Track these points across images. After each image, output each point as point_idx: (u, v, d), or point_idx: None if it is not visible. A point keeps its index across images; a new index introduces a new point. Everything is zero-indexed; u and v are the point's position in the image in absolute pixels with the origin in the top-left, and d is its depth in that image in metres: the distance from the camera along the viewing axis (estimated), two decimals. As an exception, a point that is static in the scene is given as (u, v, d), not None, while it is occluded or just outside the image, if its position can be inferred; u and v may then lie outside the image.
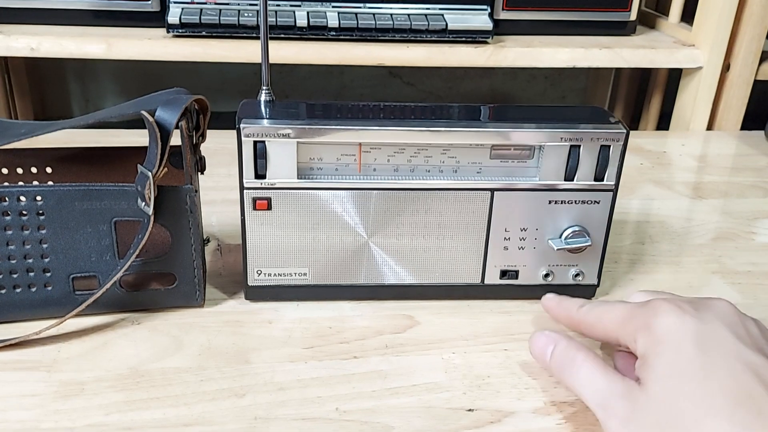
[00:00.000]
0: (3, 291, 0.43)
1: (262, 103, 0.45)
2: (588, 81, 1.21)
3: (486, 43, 0.83)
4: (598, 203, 0.46)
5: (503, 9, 0.86)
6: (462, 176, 0.45)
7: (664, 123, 0.99)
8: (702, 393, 0.32)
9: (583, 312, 0.41)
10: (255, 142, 0.42)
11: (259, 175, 0.43)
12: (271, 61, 0.81)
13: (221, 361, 0.41)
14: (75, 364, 0.41)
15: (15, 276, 0.43)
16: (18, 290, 0.43)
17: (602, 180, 0.45)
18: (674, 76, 0.97)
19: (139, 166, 0.41)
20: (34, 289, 0.43)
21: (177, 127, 0.41)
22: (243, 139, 0.42)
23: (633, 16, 0.89)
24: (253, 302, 0.47)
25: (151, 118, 0.40)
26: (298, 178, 0.44)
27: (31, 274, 0.43)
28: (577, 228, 0.46)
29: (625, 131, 0.44)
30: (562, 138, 0.43)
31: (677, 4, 0.92)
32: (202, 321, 0.45)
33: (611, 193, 0.45)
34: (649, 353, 0.35)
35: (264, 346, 0.43)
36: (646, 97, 1.05)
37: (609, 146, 0.44)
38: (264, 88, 0.45)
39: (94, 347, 0.42)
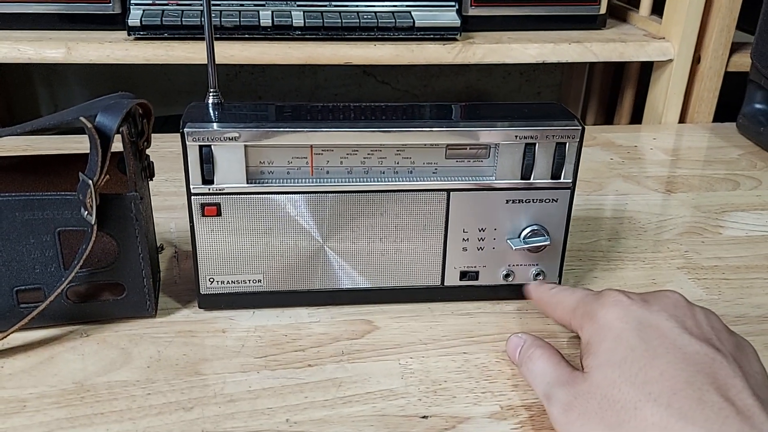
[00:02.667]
0: (-57, 306, 0.42)
1: (210, 105, 0.44)
2: (563, 76, 1.20)
3: (455, 40, 0.82)
4: (556, 201, 0.45)
5: (471, 5, 0.85)
6: (417, 177, 0.44)
7: (637, 116, 0.99)
8: (641, 380, 0.32)
9: (549, 294, 0.43)
10: (201, 147, 0.41)
11: (207, 180, 0.42)
12: (235, 62, 0.80)
13: (170, 374, 0.40)
14: (18, 380, 0.39)
15: (-44, 290, 0.41)
16: (-40, 305, 0.42)
17: (559, 178, 0.44)
18: (647, 69, 0.96)
19: (80, 174, 0.40)
20: (-24, 304, 0.42)
21: (118, 132, 0.39)
22: (188, 143, 0.41)
23: (603, 9, 0.88)
24: (207, 311, 0.46)
25: (89, 125, 0.38)
26: (247, 183, 0.43)
27: (-27, 287, 0.41)
28: (535, 227, 0.45)
29: (580, 128, 0.43)
30: (516, 136, 0.43)
31: (647, -3, 0.91)
32: (153, 332, 0.44)
33: (569, 191, 0.45)
34: (593, 341, 0.35)
35: (216, 356, 0.42)
36: (620, 91, 1.05)
37: (565, 143, 0.43)
38: (211, 90, 0.44)
39: (40, 362, 0.41)
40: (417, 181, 0.44)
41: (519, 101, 1.21)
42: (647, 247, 0.56)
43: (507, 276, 0.47)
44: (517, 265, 0.46)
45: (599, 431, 0.32)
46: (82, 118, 0.38)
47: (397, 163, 0.44)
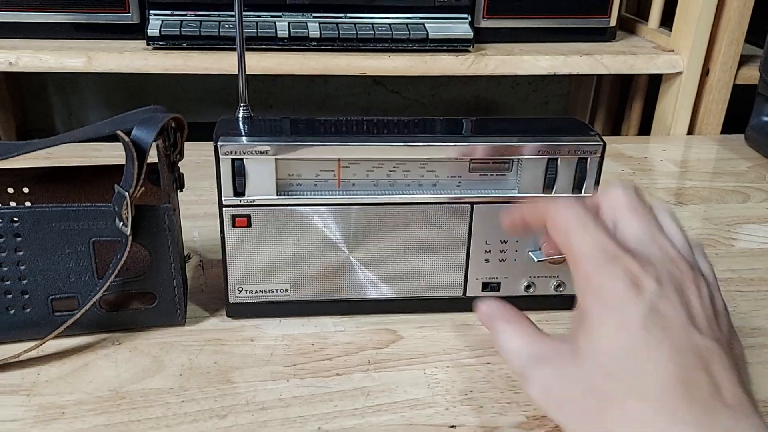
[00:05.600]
0: (-20, 314, 0.43)
1: (240, 119, 0.45)
2: (571, 87, 1.22)
3: (467, 51, 0.83)
4: (578, 215, 0.46)
5: (484, 17, 0.86)
6: (441, 190, 0.45)
7: (645, 127, 1.00)
8: (635, 372, 0.30)
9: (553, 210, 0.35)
10: (233, 160, 0.42)
11: (238, 192, 0.43)
12: (253, 72, 0.81)
13: (202, 381, 0.41)
14: (55, 387, 0.40)
15: (-7, 299, 0.42)
16: (-4, 313, 0.43)
17: (581, 191, 0.45)
18: (655, 81, 0.97)
19: (116, 185, 0.41)
20: (12, 312, 0.43)
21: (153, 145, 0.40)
22: (221, 156, 0.42)
23: (613, 22, 0.89)
24: (235, 319, 0.47)
25: (126, 138, 0.39)
26: (277, 195, 0.44)
27: (9, 296, 0.42)
28: (557, 239, 0.46)
29: (601, 144, 0.44)
30: (539, 151, 0.44)
31: (656, 10, 0.93)
32: (184, 340, 0.45)
33: (590, 204, 0.46)
34: (592, 316, 0.32)
35: (246, 364, 0.43)
36: (628, 102, 1.06)
37: (586, 158, 0.44)
38: (241, 104, 0.45)
39: (75, 369, 0.42)
40: (441, 193, 0.45)
41: (527, 111, 1.23)
42: (662, 259, 0.57)
43: (528, 287, 0.48)
44: (538, 276, 0.47)
45: (577, 418, 0.31)
46: (119, 132, 0.39)
47: (422, 177, 0.45)
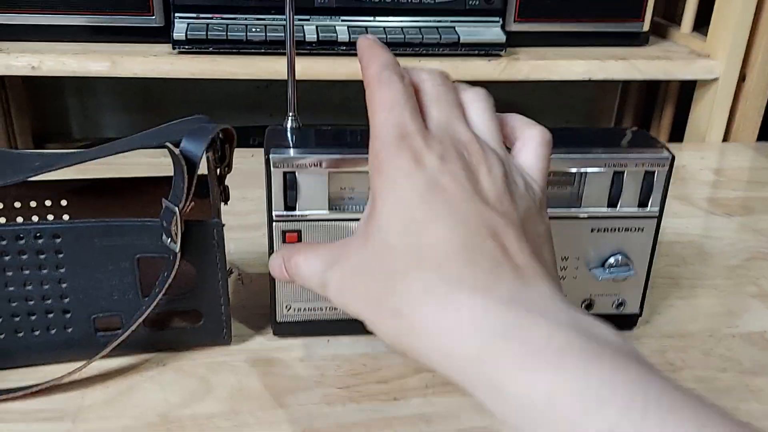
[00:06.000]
0: (21, 334, 0.41)
1: (289, 130, 0.43)
2: (595, 91, 1.20)
3: (499, 56, 0.81)
4: (642, 230, 0.44)
5: (515, 21, 0.84)
6: (500, 204, 0.43)
7: (675, 134, 0.98)
8: (415, 245, 0.28)
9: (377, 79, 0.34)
10: (285, 173, 0.40)
11: (289, 206, 0.41)
12: (280, 77, 0.79)
13: (254, 405, 0.39)
14: (100, 412, 0.38)
15: (33, 318, 0.40)
16: (36, 333, 0.41)
17: (646, 207, 0.43)
18: (686, 86, 0.95)
19: (164, 200, 0.39)
20: (53, 331, 0.41)
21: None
22: (272, 169, 0.40)
23: (646, 26, 0.87)
24: (282, 338, 0.45)
25: (177, 151, 0.37)
26: (329, 210, 0.42)
27: (50, 315, 0.41)
28: (620, 256, 0.44)
29: (669, 156, 0.42)
30: (606, 164, 0.42)
31: (690, 14, 0.91)
32: (231, 360, 0.43)
33: (655, 219, 0.44)
34: (377, 196, 0.31)
35: (297, 386, 0.41)
36: (656, 107, 1.04)
37: (653, 172, 0.42)
38: (290, 114, 0.43)
39: (120, 393, 0.40)
40: (500, 208, 0.43)
41: (550, 116, 1.21)
42: (716, 274, 0.55)
43: (588, 306, 0.46)
44: (599, 295, 0.45)
45: (368, 303, 0.30)
46: (169, 145, 0.37)
47: (481, 190, 0.43)
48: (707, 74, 0.85)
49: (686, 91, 0.96)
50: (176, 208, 0.38)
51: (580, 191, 0.43)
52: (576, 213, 0.43)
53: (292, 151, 0.40)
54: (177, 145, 0.38)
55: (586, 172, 0.42)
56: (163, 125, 0.41)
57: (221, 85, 1.09)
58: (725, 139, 0.88)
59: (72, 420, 0.38)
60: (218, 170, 0.41)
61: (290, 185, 0.40)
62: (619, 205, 0.43)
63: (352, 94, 1.15)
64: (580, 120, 1.23)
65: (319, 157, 0.40)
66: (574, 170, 0.42)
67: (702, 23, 0.89)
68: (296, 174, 0.40)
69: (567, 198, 0.43)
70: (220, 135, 0.41)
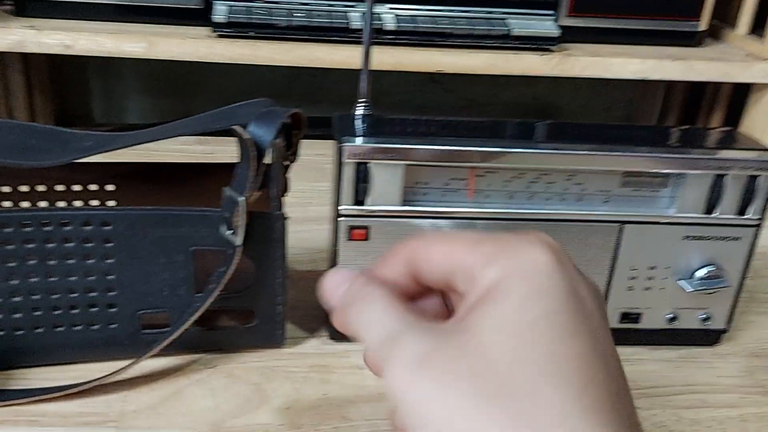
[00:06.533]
0: (60, 328, 0.37)
1: (362, 118, 0.39)
2: (634, 93, 1.16)
3: (550, 50, 0.77)
4: (738, 240, 0.40)
5: (568, 15, 0.81)
6: (586, 206, 0.39)
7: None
8: (552, 354, 0.22)
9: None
10: (358, 164, 0.37)
11: (358, 200, 0.38)
12: (321, 65, 0.75)
13: (315, 417, 0.36)
14: (146, 418, 0.35)
15: (75, 312, 0.37)
16: (77, 328, 0.37)
17: (745, 214, 0.40)
18: (734, 90, 0.91)
19: (226, 189, 0.35)
20: (95, 327, 0.37)
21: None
22: (345, 160, 0.36)
23: (703, 26, 0.83)
24: (338, 342, 0.42)
25: (246, 135, 0.34)
26: (402, 205, 0.38)
27: (94, 309, 0.37)
28: (712, 268, 0.40)
29: (778, 160, 0.38)
30: (708, 166, 0.38)
31: (747, 15, 0.87)
32: (286, 365, 0.39)
33: (754, 228, 0.40)
34: (506, 282, 0.23)
35: (360, 398, 0.37)
36: (701, 112, 1.00)
37: (757, 176, 0.39)
38: (361, 100, 0.40)
39: (166, 397, 0.36)
40: (586, 210, 0.39)
41: (588, 116, 1.17)
42: (795, 288, 0.51)
43: (672, 320, 0.42)
44: (685, 308, 0.42)
45: (466, 400, 0.21)
46: (237, 128, 0.34)
47: (566, 190, 0.39)
48: (766, 78, 0.80)
49: (735, 95, 0.92)
50: (241, 198, 0.34)
51: (674, 194, 0.39)
52: (669, 218, 0.39)
53: (366, 141, 0.37)
54: (244, 129, 0.35)
55: (685, 174, 0.38)
56: (225, 107, 0.38)
57: (250, 74, 1.06)
58: (781, 146, 0.84)
59: (115, 425, 0.34)
60: (286, 159, 0.37)
61: (362, 177, 0.37)
62: (716, 212, 0.39)
63: (387, 86, 1.12)
64: (618, 123, 1.19)
65: (395, 148, 0.36)
66: (672, 171, 0.38)
67: (760, 26, 0.85)
68: (369, 165, 0.37)
69: (660, 201, 0.40)
70: (288, 120, 0.38)
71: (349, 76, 1.11)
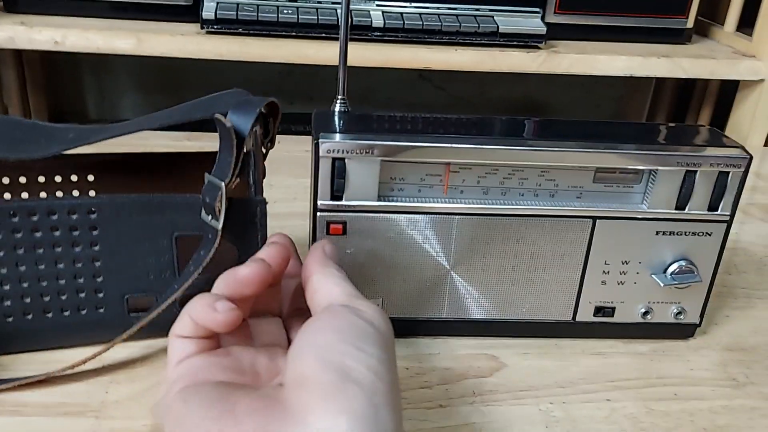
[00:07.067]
0: (50, 314, 0.38)
1: (337, 114, 0.40)
2: (624, 90, 1.16)
3: (537, 48, 0.78)
4: (710, 235, 0.41)
5: (555, 12, 0.81)
6: (560, 201, 0.40)
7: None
8: None
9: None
10: (334, 159, 0.37)
11: (335, 195, 0.38)
12: (312, 62, 0.76)
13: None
14: (126, 408, 0.36)
15: (63, 298, 0.38)
16: (66, 313, 0.38)
17: (716, 210, 0.40)
18: (722, 87, 0.92)
19: (208, 175, 0.36)
20: (84, 312, 0.39)
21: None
22: (321, 155, 0.37)
23: (690, 23, 0.84)
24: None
25: (229, 123, 0.34)
26: (377, 200, 0.39)
27: (82, 294, 0.38)
28: (684, 262, 0.41)
29: (747, 157, 0.39)
30: (678, 162, 0.39)
31: (734, 13, 0.87)
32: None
33: (725, 224, 0.41)
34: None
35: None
36: (690, 109, 1.01)
37: (728, 173, 0.39)
38: (339, 97, 0.40)
39: (147, 388, 0.37)
40: (559, 205, 0.40)
41: (578, 113, 1.17)
42: (772, 284, 0.52)
43: (645, 314, 0.43)
44: (658, 302, 0.42)
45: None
46: (218, 116, 0.35)
47: (539, 185, 0.40)
48: (752, 75, 0.81)
49: (723, 92, 0.93)
50: (222, 184, 0.35)
51: (646, 190, 0.40)
52: (641, 214, 0.40)
53: (342, 137, 0.37)
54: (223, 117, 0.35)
55: (656, 170, 0.39)
56: (202, 98, 0.39)
57: (242, 70, 1.06)
58: (767, 143, 0.85)
59: (96, 416, 0.35)
60: (264, 146, 0.38)
61: (339, 173, 0.38)
62: (687, 208, 0.40)
63: (376, 84, 1.12)
64: (607, 120, 1.19)
65: (371, 144, 0.37)
66: (643, 168, 0.39)
67: (747, 23, 0.86)
68: (346, 161, 0.37)
69: (632, 197, 0.40)
70: (265, 109, 0.38)
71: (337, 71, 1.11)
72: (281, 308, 0.36)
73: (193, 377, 0.29)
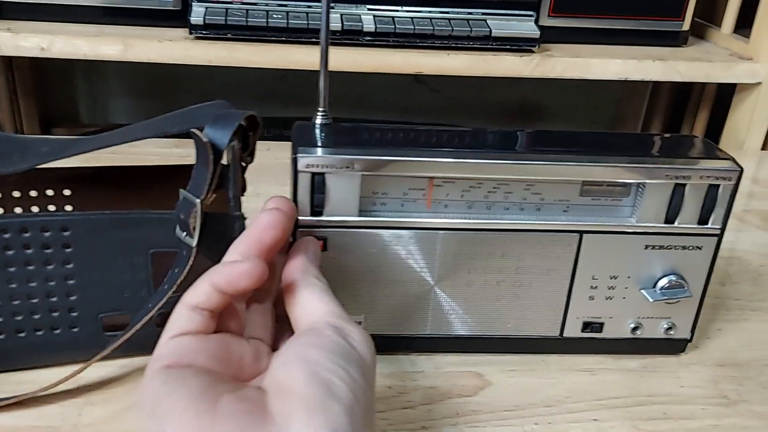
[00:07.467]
0: (22, 334, 0.37)
1: (319, 127, 0.39)
2: (622, 92, 1.15)
3: (531, 51, 0.77)
4: (700, 249, 0.40)
5: (549, 15, 0.80)
6: (546, 215, 0.39)
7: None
8: None
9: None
10: (313, 174, 0.36)
11: (316, 211, 0.37)
12: (301, 67, 0.75)
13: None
14: (99, 431, 0.35)
15: (36, 317, 0.37)
16: (39, 333, 0.38)
17: (706, 224, 0.39)
18: (720, 90, 0.91)
19: (182, 191, 0.35)
20: (58, 332, 0.38)
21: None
22: (300, 170, 0.36)
23: (686, 26, 0.83)
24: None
25: (205, 139, 0.34)
26: (359, 215, 0.38)
27: (55, 314, 0.37)
28: (674, 277, 0.40)
29: (738, 170, 0.38)
30: (667, 175, 0.38)
31: (731, 15, 0.86)
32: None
33: (716, 238, 0.40)
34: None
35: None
36: (687, 112, 0.99)
37: (718, 186, 0.38)
38: (320, 110, 0.39)
39: (122, 409, 0.36)
40: (545, 220, 0.39)
41: (576, 116, 1.16)
42: (766, 295, 0.51)
43: (635, 329, 0.42)
44: (647, 317, 0.41)
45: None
46: (195, 131, 0.34)
47: (525, 199, 0.39)
48: (750, 78, 0.80)
49: (721, 95, 0.92)
50: (197, 200, 0.34)
51: (635, 204, 0.39)
52: (630, 228, 0.39)
53: (322, 151, 0.36)
54: (200, 131, 0.35)
55: (644, 184, 0.38)
56: (181, 110, 0.38)
57: (236, 74, 1.05)
58: (765, 147, 0.84)
59: (68, 439, 0.34)
60: (243, 160, 0.37)
61: (318, 188, 0.37)
62: (677, 221, 0.39)
63: (370, 88, 1.11)
64: (605, 122, 1.18)
65: (351, 159, 0.36)
66: (631, 181, 0.38)
67: (744, 25, 0.85)
68: (326, 176, 0.36)
69: (620, 211, 0.39)
70: (244, 122, 0.38)
71: (337, 78, 1.11)
72: (271, 290, 0.35)
73: (179, 358, 0.29)
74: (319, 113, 0.39)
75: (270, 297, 0.34)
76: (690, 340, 0.43)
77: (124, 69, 1.06)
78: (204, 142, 0.34)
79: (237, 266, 0.30)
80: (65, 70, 1.05)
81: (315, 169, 0.36)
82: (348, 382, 0.27)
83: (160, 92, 1.07)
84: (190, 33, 0.72)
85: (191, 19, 0.71)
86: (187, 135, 0.36)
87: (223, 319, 0.32)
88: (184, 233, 0.36)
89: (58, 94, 1.06)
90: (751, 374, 0.42)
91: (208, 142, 0.34)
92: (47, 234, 0.36)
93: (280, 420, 0.25)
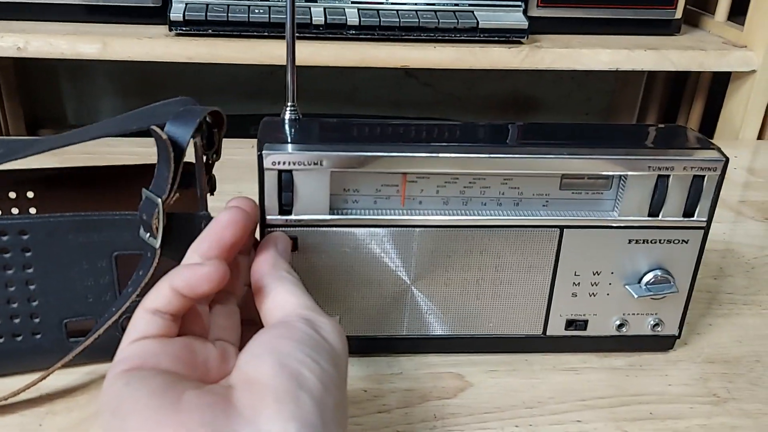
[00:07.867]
0: (-19, 343, 0.36)
1: (287, 122, 0.38)
2: (617, 83, 1.13)
3: (520, 43, 0.76)
4: (686, 243, 0.38)
5: (538, 6, 0.79)
6: (525, 210, 0.38)
7: (704, 130, 0.92)
8: None
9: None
10: (280, 172, 0.35)
11: (284, 209, 0.36)
12: (280, 63, 0.73)
13: None
14: (61, 442, 0.34)
15: (-4, 325, 0.36)
16: (0, 340, 0.36)
17: (692, 216, 0.38)
18: (716, 79, 0.89)
19: (144, 190, 0.34)
20: (20, 339, 0.36)
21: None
22: (266, 168, 0.35)
23: (678, 14, 0.81)
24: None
25: (164, 136, 0.32)
26: (329, 214, 0.36)
27: (17, 321, 0.36)
28: (659, 272, 0.39)
29: (723, 159, 0.37)
30: (649, 167, 0.36)
31: (725, 2, 0.84)
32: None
33: (702, 231, 0.38)
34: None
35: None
36: (683, 101, 0.98)
37: (703, 177, 0.37)
38: (289, 104, 0.38)
39: (86, 417, 0.35)
40: (524, 215, 0.38)
41: (569, 108, 1.15)
42: (760, 288, 0.50)
43: (620, 326, 0.40)
44: (633, 314, 0.40)
45: None
46: (154, 128, 0.32)
47: (502, 194, 0.37)
48: (744, 66, 0.78)
49: (717, 84, 0.90)
50: (159, 200, 0.33)
51: (617, 197, 0.38)
52: (612, 222, 0.38)
53: (289, 147, 0.35)
54: (161, 129, 0.33)
55: (626, 176, 0.37)
56: (144, 107, 0.36)
57: (222, 71, 1.04)
58: (761, 136, 0.82)
59: (28, 451, 0.33)
60: (206, 157, 0.36)
61: (286, 186, 0.35)
62: (661, 214, 0.37)
63: (361, 82, 1.10)
64: (599, 114, 1.17)
65: (319, 155, 0.35)
66: (612, 173, 0.37)
67: (738, 12, 0.83)
68: (293, 173, 0.35)
69: (602, 204, 0.38)
70: (208, 119, 0.36)
71: (326, 73, 1.10)
72: (235, 291, 0.33)
73: (141, 361, 0.28)
74: (287, 108, 0.38)
75: (234, 298, 0.33)
76: (678, 337, 0.41)
77: (109, 69, 1.04)
78: (164, 139, 0.32)
79: (197, 269, 0.29)
80: (49, 71, 1.04)
81: (282, 167, 0.35)
82: (317, 373, 0.26)
83: (147, 92, 1.05)
84: (170, 30, 0.71)
85: (171, 15, 0.70)
86: (148, 133, 0.35)
87: (185, 322, 0.30)
88: (148, 234, 0.34)
89: (43, 95, 1.05)
90: (742, 371, 0.41)
91: (168, 139, 0.32)
92: (5, 237, 0.35)
93: (247, 413, 0.25)
